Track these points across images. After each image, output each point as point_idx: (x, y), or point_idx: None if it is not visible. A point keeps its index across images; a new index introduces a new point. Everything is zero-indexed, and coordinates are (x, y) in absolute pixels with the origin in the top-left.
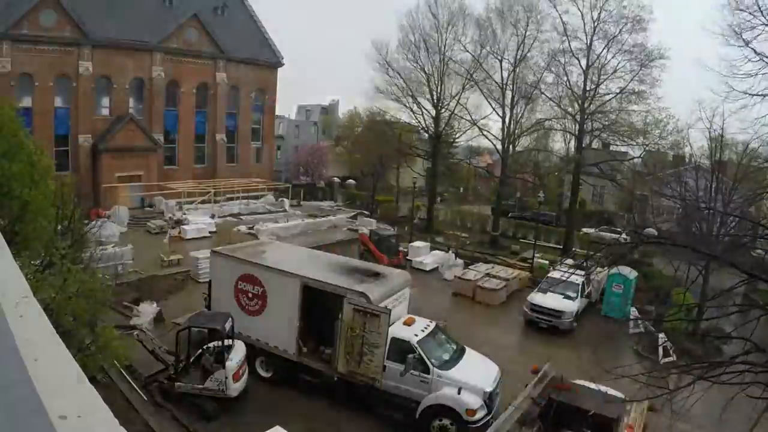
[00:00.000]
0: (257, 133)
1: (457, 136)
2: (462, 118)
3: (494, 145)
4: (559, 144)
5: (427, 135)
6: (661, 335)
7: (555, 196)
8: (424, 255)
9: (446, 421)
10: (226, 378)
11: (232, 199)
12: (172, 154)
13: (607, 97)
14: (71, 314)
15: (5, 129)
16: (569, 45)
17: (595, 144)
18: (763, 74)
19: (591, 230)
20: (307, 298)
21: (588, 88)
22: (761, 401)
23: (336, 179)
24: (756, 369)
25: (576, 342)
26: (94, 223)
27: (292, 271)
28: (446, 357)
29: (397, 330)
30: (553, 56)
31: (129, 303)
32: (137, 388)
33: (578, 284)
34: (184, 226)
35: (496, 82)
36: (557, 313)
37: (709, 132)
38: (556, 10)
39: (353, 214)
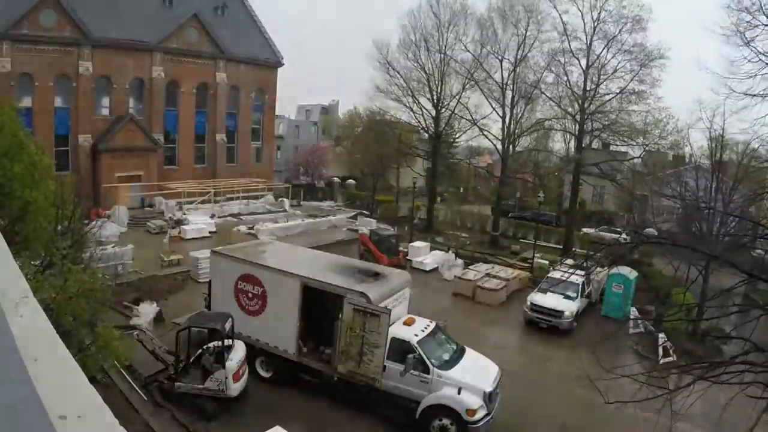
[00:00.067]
0: (257, 133)
1: (457, 136)
2: (462, 117)
3: (494, 145)
4: (559, 144)
5: (427, 135)
6: (661, 335)
7: (555, 196)
8: (424, 255)
9: (446, 421)
10: (226, 378)
11: (232, 199)
12: (172, 154)
13: (607, 97)
14: (71, 314)
15: (6, 129)
16: (569, 45)
17: (595, 144)
18: (762, 75)
19: (591, 230)
20: (307, 298)
21: (588, 88)
22: (761, 401)
23: (336, 179)
24: (756, 369)
25: (576, 342)
26: (94, 223)
27: (292, 271)
28: (446, 357)
29: (397, 330)
30: (553, 56)
31: (129, 303)
32: (137, 388)
33: (578, 284)
34: (184, 226)
35: (497, 82)
36: (557, 313)
37: (710, 132)
38: (556, 10)
39: (353, 214)
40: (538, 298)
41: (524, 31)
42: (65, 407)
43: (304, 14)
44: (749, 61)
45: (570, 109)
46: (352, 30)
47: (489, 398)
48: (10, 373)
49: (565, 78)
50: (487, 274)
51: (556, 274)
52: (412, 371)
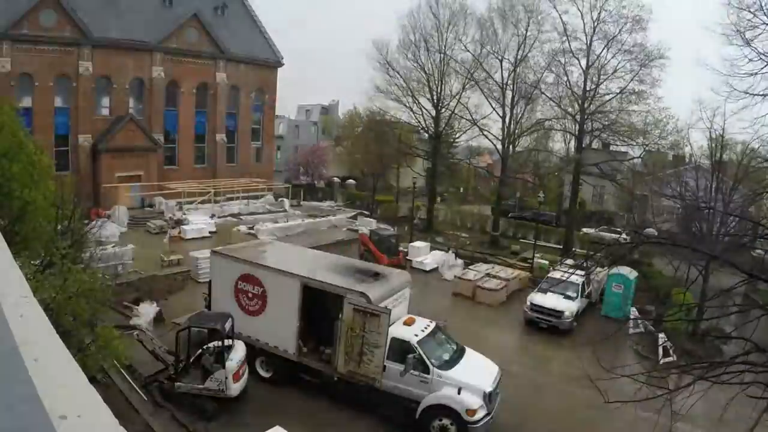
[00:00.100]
0: (257, 133)
1: (457, 136)
2: (462, 117)
3: (494, 145)
4: (559, 144)
5: (427, 135)
6: (661, 335)
7: (555, 196)
8: (424, 255)
9: (446, 421)
10: (226, 378)
11: (232, 199)
12: (172, 154)
13: (607, 97)
14: (71, 314)
15: (5, 129)
16: (569, 45)
17: (595, 144)
18: (763, 74)
19: (591, 230)
20: (307, 298)
21: (588, 88)
22: (762, 401)
23: (336, 179)
24: (756, 369)
25: (576, 342)
26: (94, 223)
27: (292, 271)
28: (446, 357)
29: (397, 330)
30: (553, 56)
31: (129, 303)
32: (137, 388)
33: (578, 284)
34: (184, 226)
35: (497, 82)
36: (557, 313)
37: (710, 132)
38: (556, 11)
39: (353, 214)
40: (538, 298)
41: (524, 31)
42: (65, 407)
43: (304, 14)
44: (750, 60)
45: (570, 109)
46: (352, 30)
47: (489, 398)
48: (10, 373)
49: (565, 78)
50: (487, 274)
51: (556, 274)
52: (412, 371)
